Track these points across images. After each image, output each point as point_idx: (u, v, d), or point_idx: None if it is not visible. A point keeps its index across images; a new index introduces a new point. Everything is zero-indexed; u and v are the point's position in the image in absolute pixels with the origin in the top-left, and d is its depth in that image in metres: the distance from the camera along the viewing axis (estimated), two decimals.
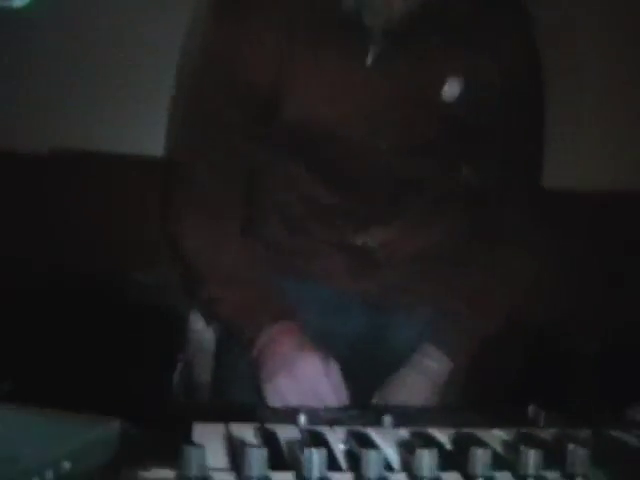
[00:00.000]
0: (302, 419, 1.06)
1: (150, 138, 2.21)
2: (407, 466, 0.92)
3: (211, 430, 1.01)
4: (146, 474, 0.85)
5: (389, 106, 1.45)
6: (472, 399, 1.66)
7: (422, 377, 1.56)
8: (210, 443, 0.93)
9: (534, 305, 1.70)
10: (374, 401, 1.56)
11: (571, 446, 0.90)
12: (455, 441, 1.05)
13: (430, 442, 1.02)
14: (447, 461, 0.90)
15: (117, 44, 2.23)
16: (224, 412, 1.09)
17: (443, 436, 1.07)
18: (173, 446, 0.84)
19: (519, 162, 1.56)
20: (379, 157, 1.49)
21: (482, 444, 0.96)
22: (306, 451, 0.85)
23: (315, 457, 0.85)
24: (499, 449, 1.01)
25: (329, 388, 1.36)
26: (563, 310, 2.09)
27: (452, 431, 1.07)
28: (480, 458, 0.89)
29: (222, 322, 1.58)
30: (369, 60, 1.41)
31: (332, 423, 1.08)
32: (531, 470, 0.89)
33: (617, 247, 2.39)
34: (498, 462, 0.91)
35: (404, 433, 1.07)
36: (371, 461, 0.86)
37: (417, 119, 1.46)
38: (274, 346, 1.41)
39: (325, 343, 1.43)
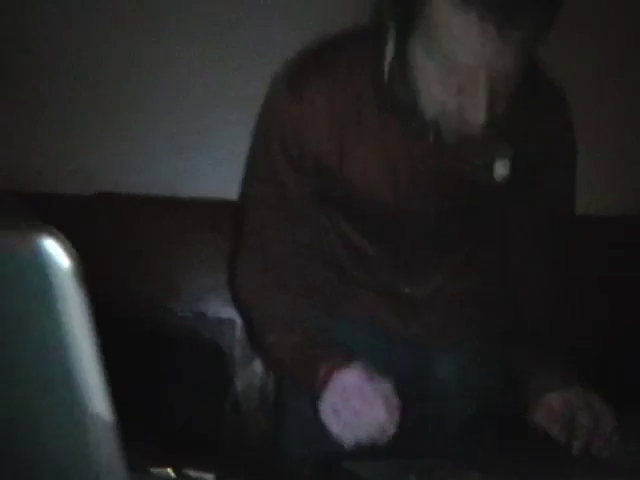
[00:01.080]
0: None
1: (187, 181, 2.34)
2: None
3: None
4: None
5: (442, 182, 1.58)
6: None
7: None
8: None
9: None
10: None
11: None
12: None
13: None
14: None
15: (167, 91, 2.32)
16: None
17: None
18: None
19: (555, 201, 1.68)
20: (426, 221, 1.63)
21: None
22: None
23: None
24: None
25: (375, 394, 1.41)
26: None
27: None
28: None
29: (283, 366, 1.66)
30: (429, 141, 1.51)
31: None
32: None
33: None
34: None
35: None
36: None
37: (465, 193, 1.60)
38: (333, 377, 1.47)
39: None
